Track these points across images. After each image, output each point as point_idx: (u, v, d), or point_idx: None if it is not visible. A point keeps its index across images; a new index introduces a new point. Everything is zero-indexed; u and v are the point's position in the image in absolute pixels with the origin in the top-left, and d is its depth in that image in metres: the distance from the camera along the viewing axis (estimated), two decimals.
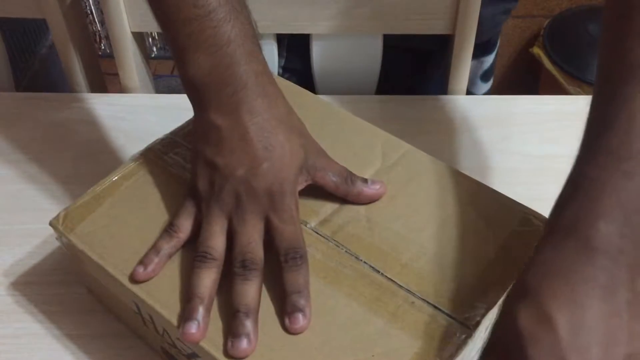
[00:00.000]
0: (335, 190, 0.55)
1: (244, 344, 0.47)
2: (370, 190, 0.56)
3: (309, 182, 0.55)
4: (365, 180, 0.56)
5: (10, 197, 0.71)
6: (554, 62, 1.68)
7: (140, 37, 0.87)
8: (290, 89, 0.65)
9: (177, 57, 0.53)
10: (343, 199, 0.56)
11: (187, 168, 0.59)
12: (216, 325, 0.48)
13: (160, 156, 0.61)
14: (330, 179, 0.55)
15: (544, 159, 0.75)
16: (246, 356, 0.47)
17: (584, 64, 1.65)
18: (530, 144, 0.76)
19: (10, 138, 0.78)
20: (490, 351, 0.42)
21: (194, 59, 0.52)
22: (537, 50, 1.74)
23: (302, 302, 0.48)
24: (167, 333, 0.51)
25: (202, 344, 0.47)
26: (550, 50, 1.70)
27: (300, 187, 0.54)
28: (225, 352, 0.47)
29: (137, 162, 0.60)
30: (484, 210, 0.55)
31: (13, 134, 0.79)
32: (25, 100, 0.84)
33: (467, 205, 0.56)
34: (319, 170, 0.55)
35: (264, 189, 0.51)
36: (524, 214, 0.55)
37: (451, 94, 0.86)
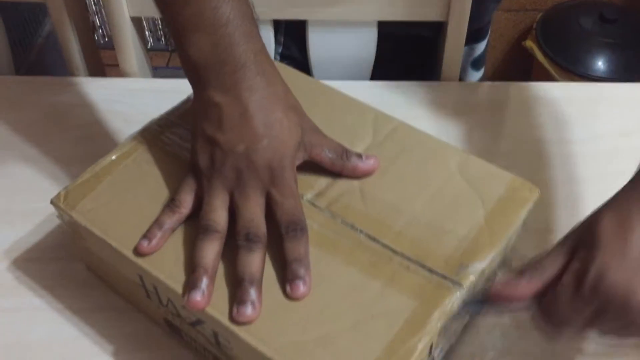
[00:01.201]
0: (331, 166, 0.57)
1: (248, 310, 0.48)
2: (364, 165, 0.58)
3: (306, 158, 0.57)
4: (359, 156, 0.58)
5: (12, 177, 0.73)
6: (546, 55, 1.69)
7: (138, 22, 0.88)
8: (282, 70, 0.66)
9: (177, 37, 0.55)
10: (338, 174, 0.58)
11: (184, 147, 0.61)
12: (221, 293, 0.50)
13: (157, 136, 0.62)
14: (326, 155, 0.57)
15: (536, 142, 0.77)
16: (251, 321, 0.49)
17: (575, 57, 1.67)
18: (522, 129, 0.79)
19: (11, 120, 0.80)
20: (562, 243, 0.49)
21: (194, 39, 0.54)
22: (529, 44, 1.75)
23: (302, 270, 0.51)
24: (172, 302, 0.53)
25: (208, 310, 0.49)
26: (542, 43, 1.71)
27: (298, 162, 0.56)
28: (231, 318, 0.49)
29: (135, 142, 0.62)
30: (473, 179, 0.58)
31: (14, 117, 0.80)
32: (25, 84, 0.86)
33: (456, 175, 0.58)
34: (315, 146, 0.57)
35: (265, 165, 0.53)
36: (511, 181, 0.58)
37: (444, 80, 0.88)
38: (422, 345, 0.47)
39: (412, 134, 0.62)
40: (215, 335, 0.51)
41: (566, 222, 0.68)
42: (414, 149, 0.61)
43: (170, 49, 2.09)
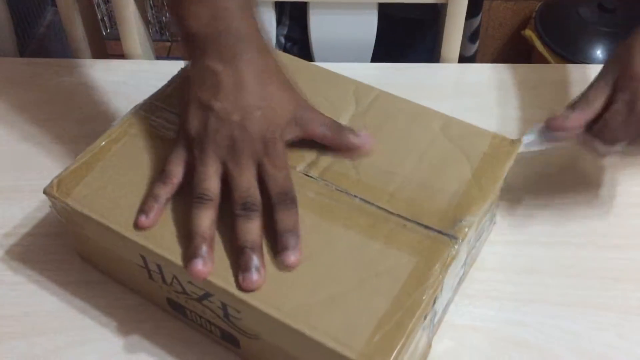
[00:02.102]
0: (323, 141, 0.58)
1: (254, 276, 0.49)
2: (358, 140, 0.58)
3: (300, 134, 0.57)
4: (353, 132, 0.58)
5: (19, 155, 0.74)
6: (545, 44, 1.70)
7: (141, 4, 0.89)
8: None
9: (176, 7, 0.55)
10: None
11: (171, 129, 0.61)
12: (227, 264, 0.51)
13: (144, 120, 0.63)
14: (321, 131, 0.58)
15: (535, 123, 0.77)
16: (257, 287, 0.50)
17: (574, 46, 1.68)
18: (522, 109, 0.80)
19: (17, 101, 0.80)
20: (603, 77, 0.59)
21: (194, 10, 0.54)
22: (529, 33, 1.76)
23: (293, 240, 0.52)
24: (177, 279, 0.54)
25: (217, 282, 0.50)
26: (542, 32, 1.72)
27: (290, 137, 0.57)
28: (238, 286, 0.50)
29: (123, 127, 0.62)
30: (456, 139, 0.60)
31: (20, 97, 0.81)
32: (30, 66, 0.86)
33: (441, 136, 0.60)
34: (309, 122, 0.57)
35: (259, 135, 0.54)
36: (492, 138, 0.60)
37: (444, 61, 0.89)
38: (427, 298, 0.49)
39: (393, 101, 0.64)
40: (224, 307, 0.52)
41: (563, 199, 0.69)
42: (396, 114, 0.62)
43: (171, 40, 2.09)
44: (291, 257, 0.51)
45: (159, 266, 0.54)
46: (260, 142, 0.54)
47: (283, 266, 0.51)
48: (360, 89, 0.65)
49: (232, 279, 0.50)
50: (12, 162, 0.73)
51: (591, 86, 0.59)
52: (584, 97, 0.59)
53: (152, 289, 0.58)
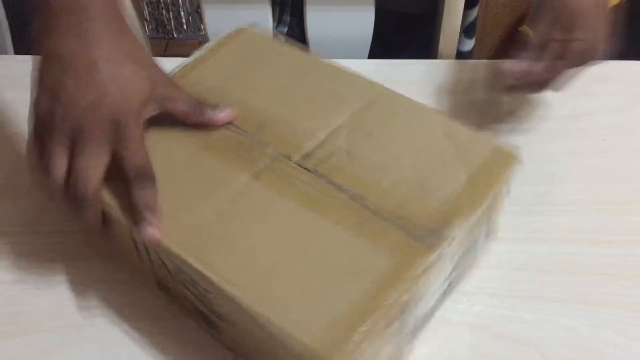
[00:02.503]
0: (185, 119, 0.57)
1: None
2: (218, 116, 0.58)
3: (157, 111, 0.55)
4: (214, 107, 0.58)
5: (15, 154, 0.74)
6: None
7: (137, 1, 0.88)
8: (270, 46, 0.69)
9: None
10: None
11: None
12: (196, 240, 0.51)
13: None
14: (180, 108, 0.56)
15: (532, 119, 0.77)
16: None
17: None
18: (519, 106, 0.79)
19: (12, 99, 0.81)
20: (540, 23, 0.69)
21: None
22: (526, 29, 1.76)
23: (149, 214, 0.51)
24: (158, 255, 0.54)
25: (187, 258, 0.50)
26: None
27: (148, 116, 0.55)
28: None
29: None
30: (456, 142, 0.59)
31: (17, 96, 0.80)
32: (26, 64, 0.86)
33: (441, 138, 0.59)
34: (168, 100, 0.56)
35: (108, 121, 0.51)
36: (494, 145, 0.59)
37: (441, 56, 0.88)
38: (391, 303, 0.48)
39: (397, 98, 0.63)
40: (194, 285, 0.52)
41: (561, 196, 0.69)
42: (399, 112, 0.62)
43: (167, 37, 2.09)
44: (149, 230, 0.50)
45: (146, 248, 0.54)
46: (111, 127, 0.51)
47: (140, 237, 0.51)
48: (364, 84, 0.65)
49: (202, 256, 0.50)
50: (8, 161, 0.73)
51: (535, 38, 0.68)
52: (534, 47, 0.68)
53: (143, 270, 0.58)
